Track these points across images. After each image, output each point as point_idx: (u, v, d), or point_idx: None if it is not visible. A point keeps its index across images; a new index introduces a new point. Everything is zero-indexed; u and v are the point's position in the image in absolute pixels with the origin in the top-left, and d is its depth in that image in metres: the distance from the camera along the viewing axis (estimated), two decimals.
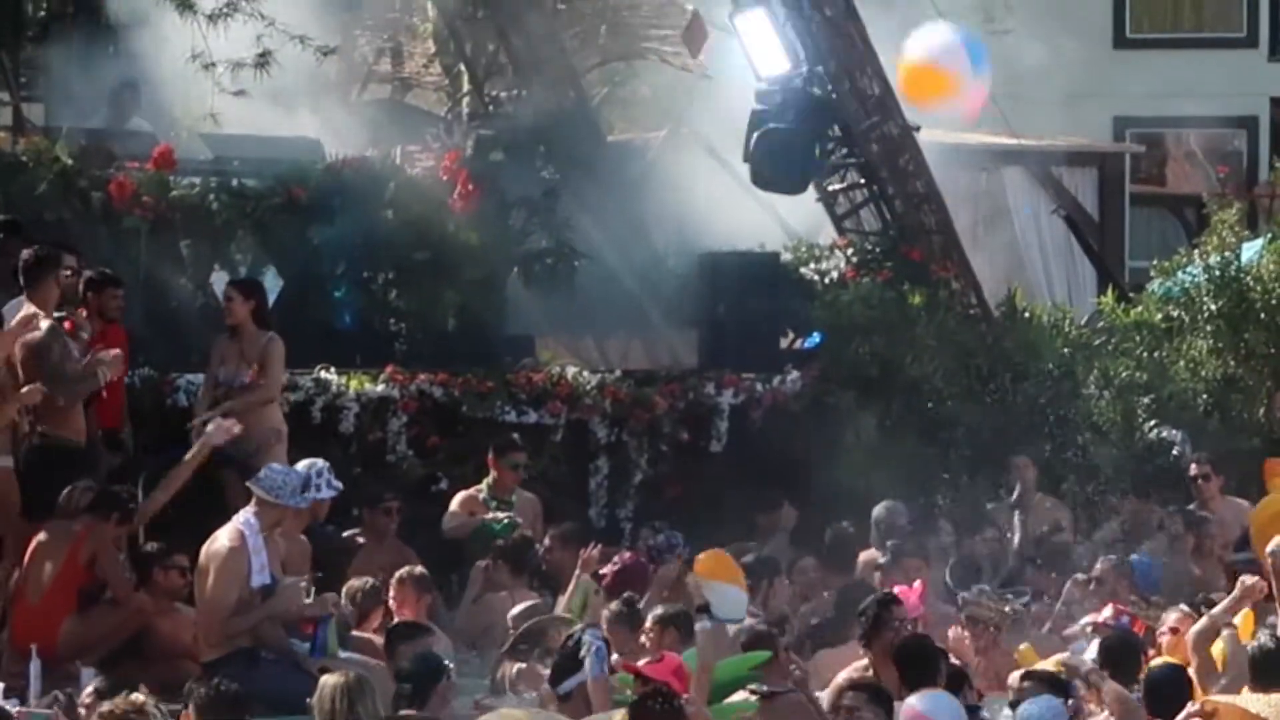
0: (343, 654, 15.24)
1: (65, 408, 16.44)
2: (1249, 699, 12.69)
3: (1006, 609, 16.16)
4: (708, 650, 14.06)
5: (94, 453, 16.72)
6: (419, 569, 16.55)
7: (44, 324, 16.24)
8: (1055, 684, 13.45)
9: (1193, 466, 19.73)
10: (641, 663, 13.41)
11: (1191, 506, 19.29)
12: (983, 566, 18.45)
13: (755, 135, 22.37)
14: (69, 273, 16.97)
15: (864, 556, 18.04)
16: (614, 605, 15.58)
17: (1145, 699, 13.45)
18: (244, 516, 15.47)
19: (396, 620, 15.72)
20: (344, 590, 16.18)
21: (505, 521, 18.25)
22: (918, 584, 16.33)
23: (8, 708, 12.70)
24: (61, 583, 15.80)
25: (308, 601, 15.55)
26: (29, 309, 16.39)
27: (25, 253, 16.72)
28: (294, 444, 17.65)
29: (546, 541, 17.63)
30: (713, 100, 25.26)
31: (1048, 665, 13.86)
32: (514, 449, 18.87)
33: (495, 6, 24.42)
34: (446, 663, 13.55)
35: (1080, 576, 17.38)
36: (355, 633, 15.75)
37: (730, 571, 15.88)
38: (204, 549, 15.52)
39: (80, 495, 16.01)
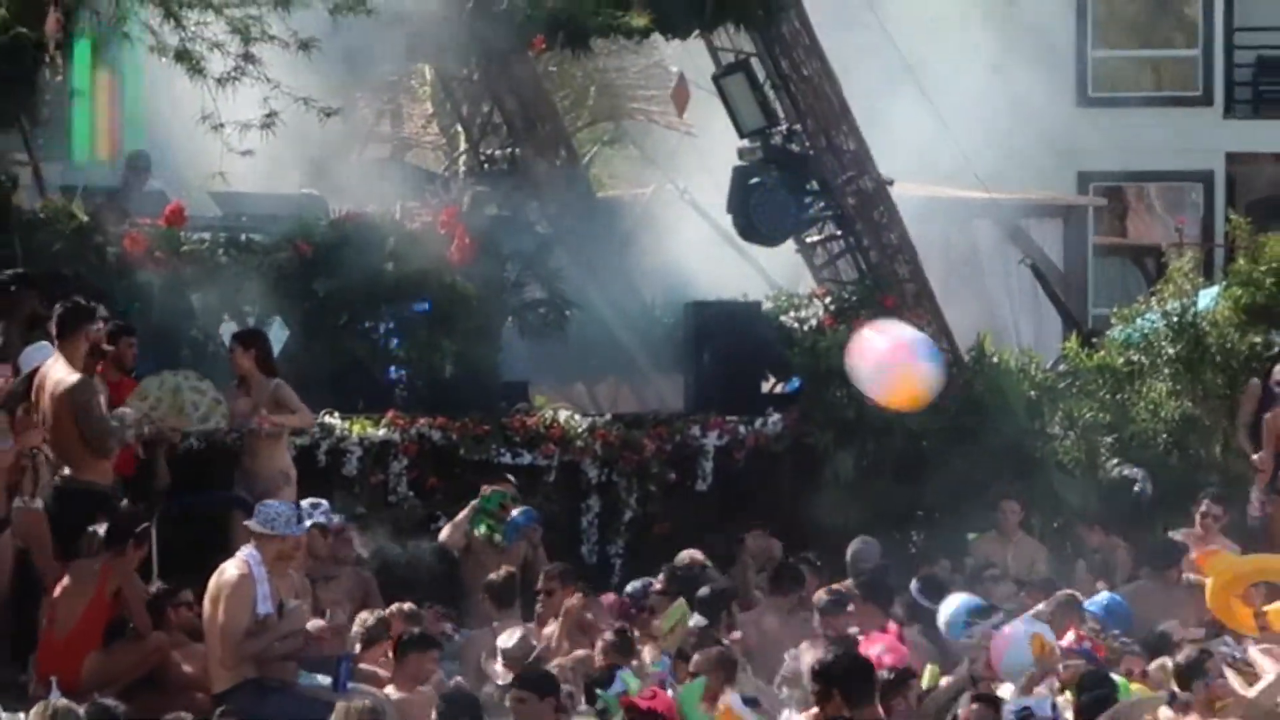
0: (349, 685, 15.42)
1: (94, 455, 16.61)
2: None
3: None
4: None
5: (118, 496, 16.79)
6: (408, 606, 16.67)
7: (75, 378, 16.37)
8: None
9: (1203, 504, 19.61)
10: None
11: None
12: (946, 581, 18.56)
13: (738, 190, 22.57)
14: (100, 326, 17.09)
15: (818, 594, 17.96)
16: (608, 636, 15.76)
17: None
18: (247, 550, 15.61)
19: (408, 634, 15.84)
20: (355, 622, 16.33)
21: (491, 494, 18.51)
22: (891, 626, 16.47)
23: None
24: (87, 619, 15.88)
25: (324, 633, 15.81)
26: (60, 362, 16.52)
27: (59, 306, 16.85)
28: (301, 486, 17.73)
29: (542, 580, 17.68)
30: (697, 157, 25.37)
31: None
32: (504, 483, 19.04)
33: (489, 70, 24.49)
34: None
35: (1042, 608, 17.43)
36: (361, 665, 15.88)
37: None
38: (213, 580, 15.62)
39: (94, 537, 16.17)
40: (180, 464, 18.00)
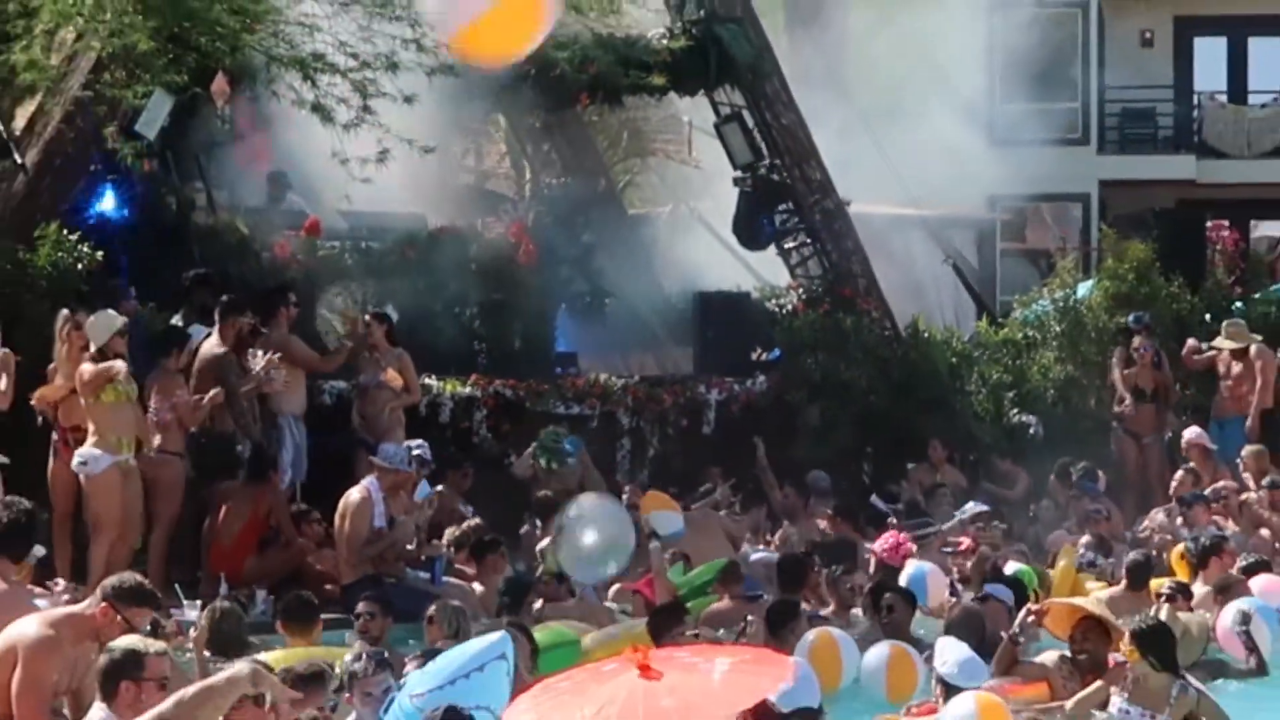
0: (444, 579, 15.43)
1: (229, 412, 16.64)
2: (1086, 600, 12.60)
3: None
4: (659, 562, 14.41)
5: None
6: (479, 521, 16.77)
7: (219, 352, 16.40)
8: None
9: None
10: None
11: None
12: (897, 493, 18.80)
13: (737, 209, 22.56)
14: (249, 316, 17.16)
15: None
16: None
17: None
18: (369, 480, 15.69)
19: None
20: (445, 535, 16.34)
21: (547, 433, 18.50)
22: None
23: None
24: (246, 531, 15.94)
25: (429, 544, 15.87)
26: (212, 339, 16.55)
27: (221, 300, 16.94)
28: (407, 430, 17.75)
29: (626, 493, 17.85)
30: (702, 185, 25.32)
31: None
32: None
33: (547, 120, 24.46)
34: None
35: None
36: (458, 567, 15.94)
37: (664, 503, 16.13)
38: (342, 501, 15.80)
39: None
40: (315, 413, 17.99)
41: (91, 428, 14.96)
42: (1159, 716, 10.83)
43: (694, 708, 7.42)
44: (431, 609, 12.24)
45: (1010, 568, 15.32)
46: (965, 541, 16.07)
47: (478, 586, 15.24)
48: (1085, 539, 16.39)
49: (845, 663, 12.30)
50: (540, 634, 12.25)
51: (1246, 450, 19.18)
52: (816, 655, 11.97)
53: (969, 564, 15.31)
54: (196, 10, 16.27)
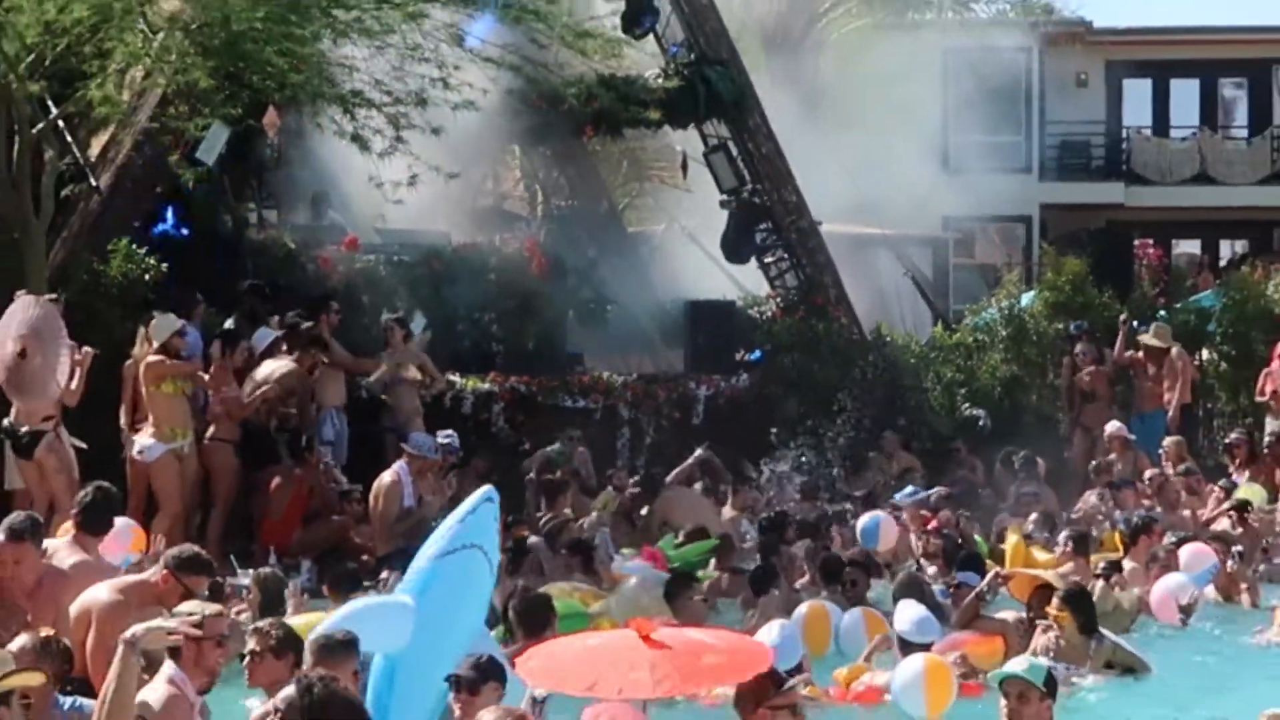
0: None
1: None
2: (1048, 573, 12.58)
3: None
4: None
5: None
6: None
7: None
8: None
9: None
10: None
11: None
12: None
13: (726, 228, 22.52)
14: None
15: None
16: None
17: None
18: (400, 464, 15.65)
19: None
20: None
21: (559, 448, 18.40)
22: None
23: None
24: (292, 507, 15.91)
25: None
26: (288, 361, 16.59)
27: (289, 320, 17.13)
28: (434, 421, 17.69)
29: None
30: (692, 206, 25.29)
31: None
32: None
33: (556, 149, 24.44)
34: None
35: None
36: None
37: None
38: (375, 483, 15.72)
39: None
40: (354, 406, 17.96)
41: (150, 418, 14.97)
42: (1081, 669, 10.92)
43: (693, 659, 7.41)
44: None
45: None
46: (933, 521, 16.08)
47: None
48: (1034, 516, 16.33)
49: (834, 630, 12.24)
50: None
51: (1168, 440, 19.17)
52: (810, 624, 11.96)
53: (934, 541, 15.30)
54: (250, 52, 16.25)
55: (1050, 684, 7.85)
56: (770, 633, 10.09)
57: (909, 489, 17.48)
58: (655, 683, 7.29)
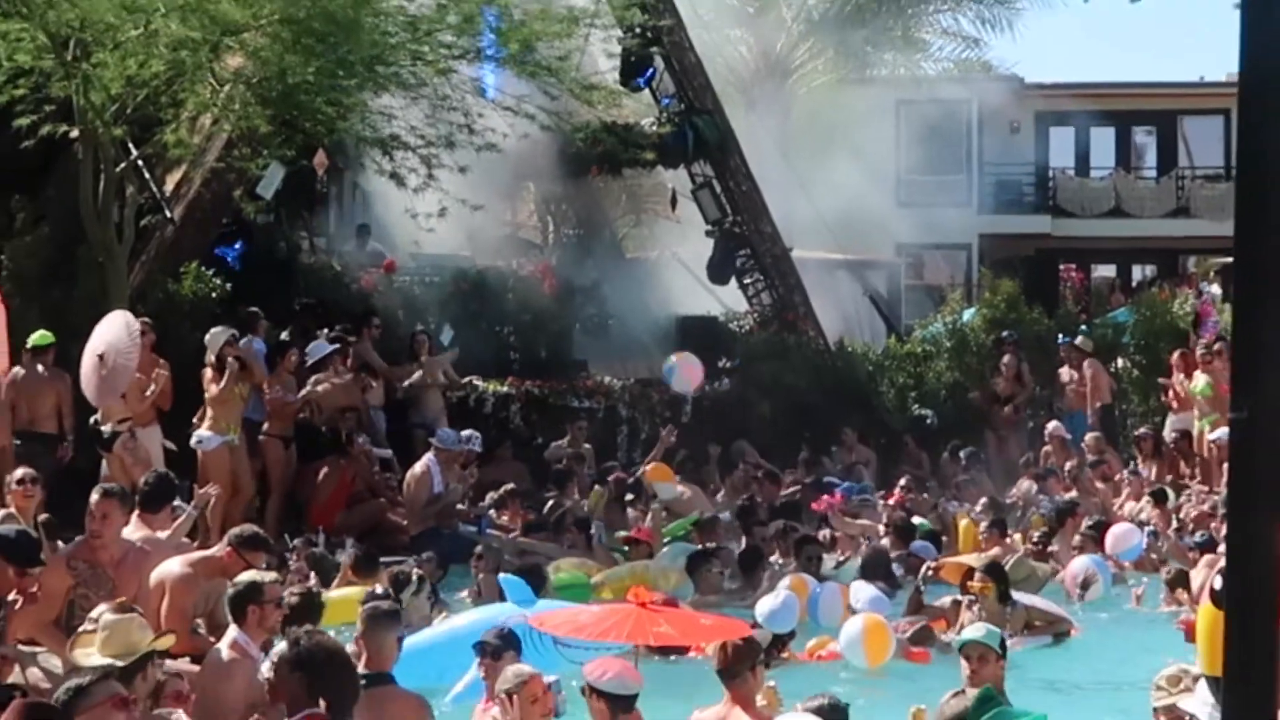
0: (488, 530, 15.35)
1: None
2: (968, 557, 12.54)
3: None
4: (656, 520, 14.28)
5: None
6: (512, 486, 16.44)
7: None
8: None
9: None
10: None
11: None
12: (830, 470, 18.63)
13: (710, 254, 22.46)
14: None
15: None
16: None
17: None
18: (429, 456, 15.60)
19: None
20: (487, 498, 16.25)
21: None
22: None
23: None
24: (338, 492, 15.87)
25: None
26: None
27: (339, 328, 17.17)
28: (461, 421, 17.67)
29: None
30: (682, 235, 25.27)
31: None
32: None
33: (565, 185, 24.43)
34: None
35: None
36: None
37: (665, 474, 16.01)
38: (409, 473, 15.66)
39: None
40: (391, 406, 17.93)
41: (209, 414, 14.95)
42: (1003, 632, 10.87)
43: (684, 630, 7.42)
44: (478, 548, 12.27)
45: (915, 520, 15.29)
46: (895, 495, 16.11)
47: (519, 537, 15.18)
48: (983, 501, 16.29)
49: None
50: (558, 576, 12.22)
51: (1088, 436, 19.15)
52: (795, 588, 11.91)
53: (893, 516, 15.31)
54: (303, 102, 16.24)
55: (1003, 646, 7.78)
56: (776, 598, 10.06)
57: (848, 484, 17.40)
58: (655, 633, 7.23)
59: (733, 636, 7.46)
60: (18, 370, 14.30)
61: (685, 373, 16.00)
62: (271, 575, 8.48)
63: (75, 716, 5.74)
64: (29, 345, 14.40)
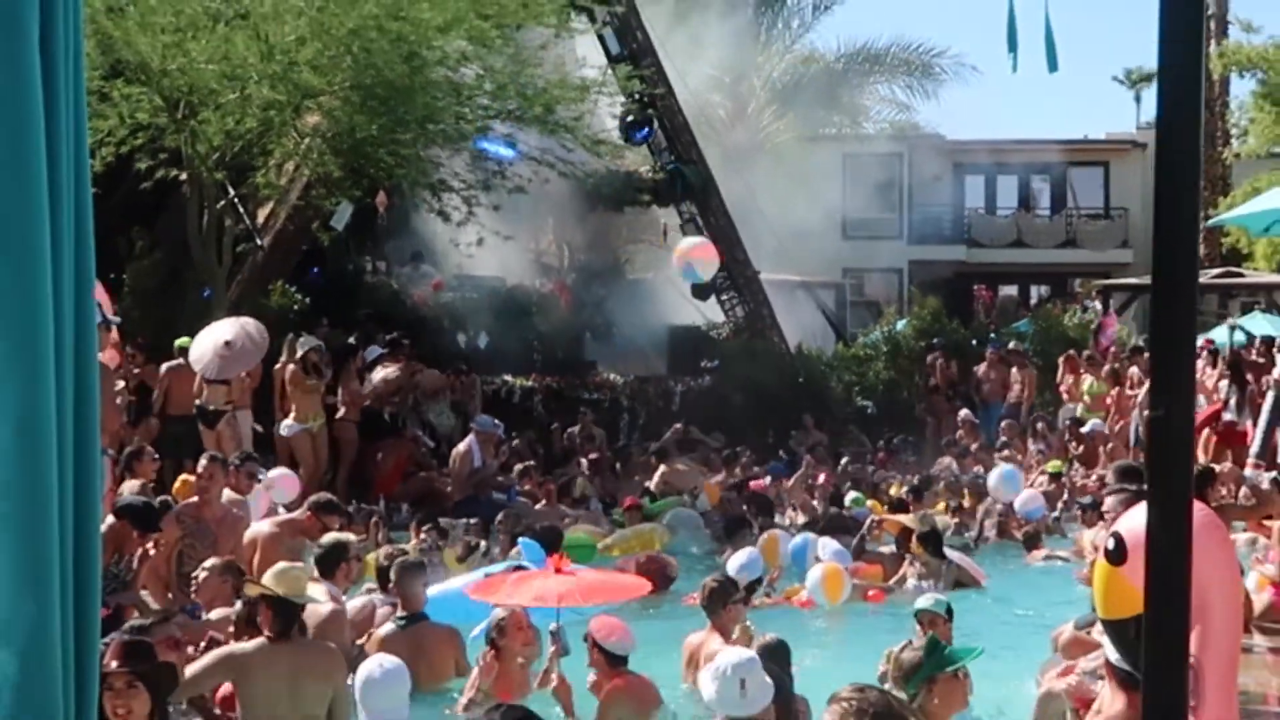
0: (517, 498, 15.16)
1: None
2: (906, 518, 12.36)
3: None
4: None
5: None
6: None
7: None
8: None
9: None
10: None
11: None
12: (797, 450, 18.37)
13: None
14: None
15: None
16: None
17: None
18: (470, 437, 15.42)
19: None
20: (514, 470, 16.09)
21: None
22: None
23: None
24: (395, 468, 15.73)
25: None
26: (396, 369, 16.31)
27: (386, 336, 16.87)
28: (492, 409, 17.45)
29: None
30: (671, 260, 25.14)
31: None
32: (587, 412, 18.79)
33: (579, 219, 24.31)
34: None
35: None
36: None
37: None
38: (453, 451, 15.48)
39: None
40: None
41: (293, 408, 14.83)
42: (938, 584, 10.79)
43: (588, 591, 7.07)
44: (500, 516, 12.15)
45: (850, 495, 15.00)
46: (822, 477, 15.88)
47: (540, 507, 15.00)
48: (915, 479, 16.06)
49: (782, 550, 11.93)
50: (570, 536, 12.05)
51: (1004, 423, 18.98)
52: (765, 547, 11.65)
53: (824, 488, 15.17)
54: (367, 153, 16.15)
55: (949, 611, 7.45)
56: (741, 555, 10.01)
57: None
58: (563, 594, 6.85)
59: (634, 595, 7.16)
60: (173, 364, 14.21)
61: (700, 257, 14.71)
62: (352, 537, 8.39)
63: None
64: (176, 345, 14.23)
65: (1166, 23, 1.69)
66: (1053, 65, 10.09)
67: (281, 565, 6.78)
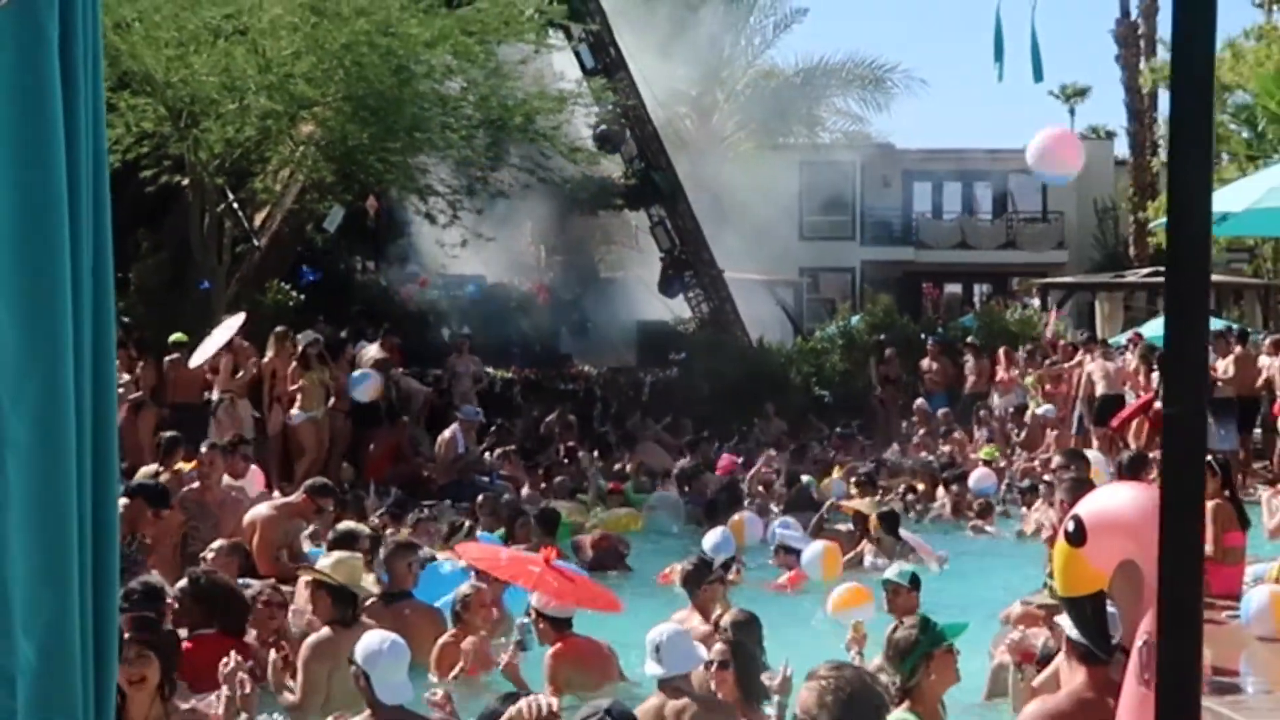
0: (498, 482, 15.01)
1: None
2: (863, 503, 12.26)
3: None
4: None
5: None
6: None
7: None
8: None
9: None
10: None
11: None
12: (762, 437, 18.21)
13: (661, 276, 22.20)
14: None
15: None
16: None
17: None
18: (454, 425, 15.27)
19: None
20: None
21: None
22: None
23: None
24: (383, 454, 15.51)
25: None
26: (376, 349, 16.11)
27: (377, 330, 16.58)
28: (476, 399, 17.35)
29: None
30: (642, 261, 25.06)
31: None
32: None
33: (557, 223, 24.19)
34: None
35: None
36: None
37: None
38: (439, 438, 15.31)
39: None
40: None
41: (298, 398, 14.65)
42: (894, 561, 10.71)
43: (565, 592, 6.87)
44: (480, 498, 11.99)
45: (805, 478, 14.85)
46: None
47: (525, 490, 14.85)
48: (870, 462, 16.00)
49: (749, 531, 11.73)
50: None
51: (940, 411, 18.96)
52: (735, 529, 11.43)
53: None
54: (358, 160, 16.00)
55: (915, 581, 7.25)
56: (714, 535, 9.91)
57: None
58: (537, 580, 6.65)
59: (603, 607, 6.92)
60: (171, 357, 14.01)
61: (1058, 153, 10.95)
62: (361, 526, 8.30)
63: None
64: (171, 341, 14.07)
65: (1180, 35, 1.62)
66: (1038, 75, 9.95)
67: (338, 554, 6.69)
